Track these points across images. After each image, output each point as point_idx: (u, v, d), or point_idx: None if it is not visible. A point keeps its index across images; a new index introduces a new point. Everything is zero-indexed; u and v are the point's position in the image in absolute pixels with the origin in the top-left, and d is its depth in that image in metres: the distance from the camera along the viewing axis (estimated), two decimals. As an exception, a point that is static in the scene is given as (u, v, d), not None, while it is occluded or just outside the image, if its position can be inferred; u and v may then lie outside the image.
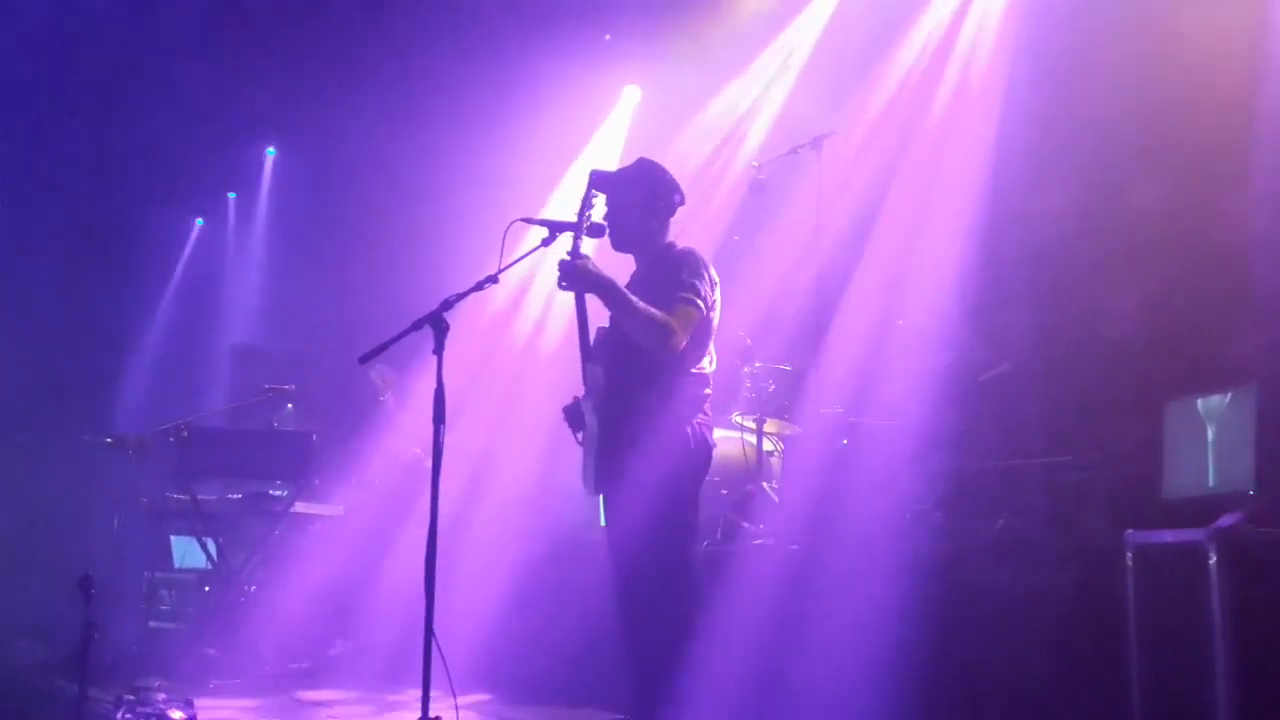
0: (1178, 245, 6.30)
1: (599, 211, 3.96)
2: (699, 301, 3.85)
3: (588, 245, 3.83)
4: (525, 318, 8.71)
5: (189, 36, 8.15)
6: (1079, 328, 6.69)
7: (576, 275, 3.69)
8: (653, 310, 3.79)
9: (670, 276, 3.88)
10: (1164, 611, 3.54)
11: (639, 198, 4.02)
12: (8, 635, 6.88)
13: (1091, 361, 6.45)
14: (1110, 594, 4.03)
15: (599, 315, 3.93)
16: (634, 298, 3.79)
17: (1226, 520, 3.44)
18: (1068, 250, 6.96)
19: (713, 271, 3.97)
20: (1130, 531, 3.74)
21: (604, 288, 3.73)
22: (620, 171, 4.07)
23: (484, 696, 5.52)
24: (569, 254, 3.72)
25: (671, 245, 4.06)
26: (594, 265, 3.71)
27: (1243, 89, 5.75)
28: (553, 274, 3.79)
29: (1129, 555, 3.69)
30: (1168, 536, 3.60)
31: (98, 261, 9.21)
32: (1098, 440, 6.14)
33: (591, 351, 3.93)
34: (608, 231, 3.98)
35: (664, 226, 4.07)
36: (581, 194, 3.87)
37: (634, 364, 3.88)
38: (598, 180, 3.94)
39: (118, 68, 8.29)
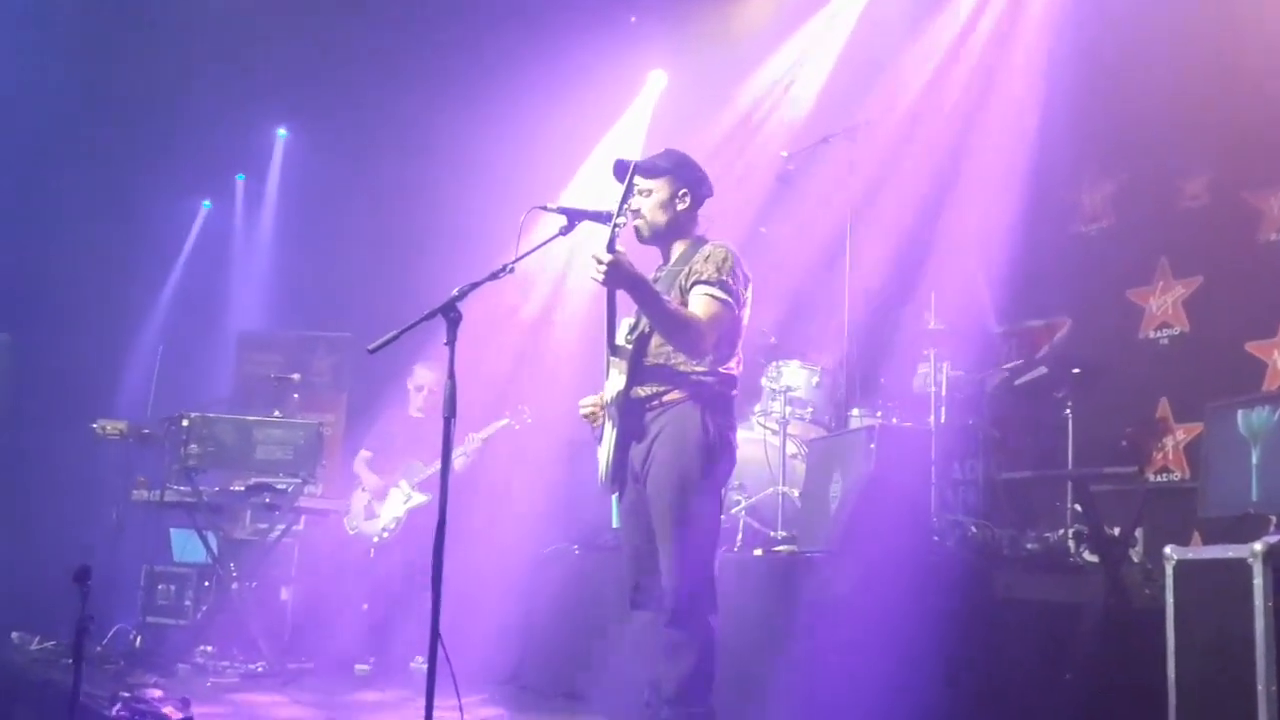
0: (1222, 245, 6.25)
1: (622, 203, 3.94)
2: (730, 300, 3.84)
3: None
4: (546, 308, 8.71)
5: (196, 8, 8.15)
6: (1119, 329, 6.65)
7: (614, 271, 3.67)
8: (683, 311, 3.80)
9: (701, 271, 3.87)
10: (1205, 631, 3.49)
11: (669, 189, 4.01)
12: (1, 627, 6.92)
13: (1131, 366, 6.41)
14: (1148, 612, 3.99)
15: (625, 308, 3.91)
16: (665, 298, 3.79)
17: (1274, 536, 3.39)
18: (1108, 248, 6.92)
19: (746, 268, 3.96)
20: (1170, 546, 3.69)
21: (638, 286, 3.73)
22: (649, 161, 4.05)
23: (479, 696, 5.53)
24: (607, 248, 3.70)
25: (702, 239, 4.05)
26: (629, 262, 3.70)
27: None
28: (580, 265, 3.78)
29: (1169, 571, 3.64)
30: (1210, 552, 3.56)
31: (100, 245, 9.23)
32: (1137, 449, 6.10)
33: (616, 346, 3.93)
34: (634, 223, 3.97)
35: (693, 219, 4.07)
36: (623, 185, 3.83)
37: (660, 361, 3.87)
38: (633, 169, 3.91)
39: (120, 39, 8.27)
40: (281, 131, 10.54)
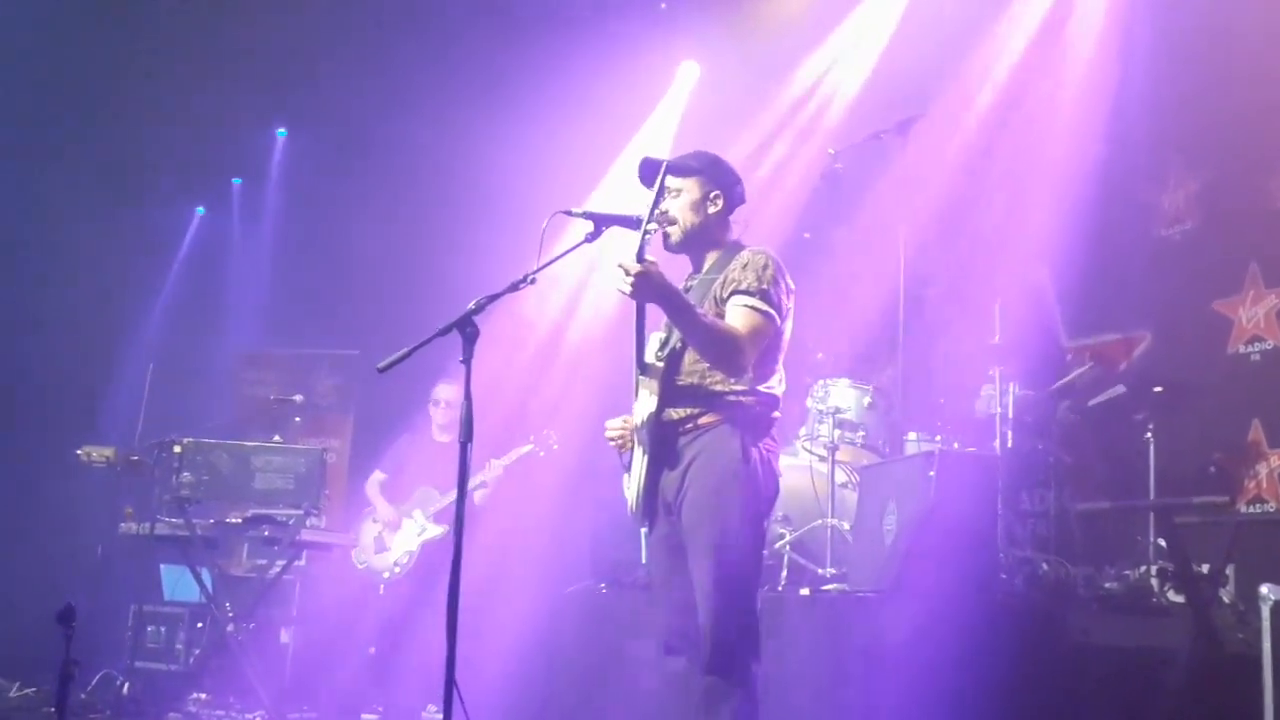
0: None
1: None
2: (771, 311, 3.83)
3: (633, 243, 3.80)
4: (570, 322, 8.72)
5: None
6: (1205, 344, 6.59)
7: (644, 282, 3.66)
8: (720, 324, 3.79)
9: (739, 280, 3.86)
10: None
11: (701, 189, 4.02)
12: (-22, 672, 6.99)
13: (1219, 384, 6.35)
14: (1242, 658, 3.94)
15: (655, 322, 3.91)
16: (700, 310, 3.79)
17: (1382, 575, 3.35)
18: (1192, 253, 6.87)
19: (789, 278, 3.95)
20: (1266, 585, 3.65)
21: (670, 298, 3.73)
22: (678, 160, 4.06)
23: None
24: (636, 257, 3.69)
25: (738, 244, 4.05)
26: (659, 272, 3.70)
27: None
28: (606, 274, 3.77)
29: (1265, 612, 3.60)
30: (1311, 592, 3.52)
31: (85, 255, 9.31)
32: (1226, 477, 6.04)
33: (646, 365, 3.92)
34: (664, 228, 3.97)
35: (726, 224, 4.08)
36: (653, 188, 3.84)
37: (694, 380, 3.87)
38: (665, 169, 3.91)
39: (104, 32, 8.34)
40: (281, 131, 10.63)
